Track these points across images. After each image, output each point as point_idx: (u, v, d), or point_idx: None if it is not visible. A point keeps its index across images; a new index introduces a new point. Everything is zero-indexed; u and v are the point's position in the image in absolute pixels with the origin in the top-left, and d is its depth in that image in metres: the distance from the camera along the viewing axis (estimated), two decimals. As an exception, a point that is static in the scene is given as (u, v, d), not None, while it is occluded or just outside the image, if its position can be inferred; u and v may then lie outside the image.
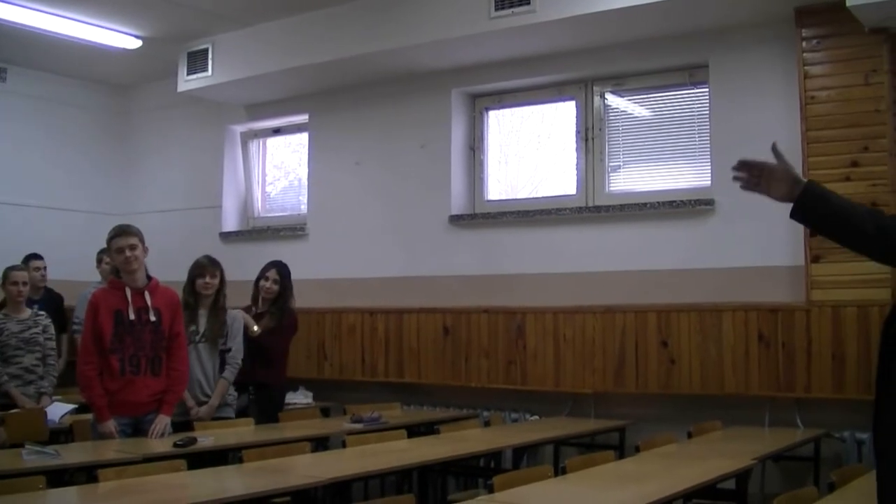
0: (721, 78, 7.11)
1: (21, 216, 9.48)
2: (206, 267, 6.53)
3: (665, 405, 7.12)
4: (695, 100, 7.42)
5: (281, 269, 7.35)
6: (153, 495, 4.04)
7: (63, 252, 9.23)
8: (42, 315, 7.11)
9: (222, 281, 6.59)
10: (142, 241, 5.69)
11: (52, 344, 7.09)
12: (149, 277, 5.80)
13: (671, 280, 7.16)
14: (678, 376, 6.98)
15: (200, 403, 6.37)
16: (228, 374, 6.51)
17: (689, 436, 6.16)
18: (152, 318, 5.66)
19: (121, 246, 5.65)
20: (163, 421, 5.63)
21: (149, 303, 5.67)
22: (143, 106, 10.54)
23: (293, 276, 7.48)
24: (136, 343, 5.62)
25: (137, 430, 5.64)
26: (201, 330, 6.47)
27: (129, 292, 5.66)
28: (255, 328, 6.95)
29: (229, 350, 6.54)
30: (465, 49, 7.71)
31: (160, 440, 5.47)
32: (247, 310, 7.18)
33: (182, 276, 6.64)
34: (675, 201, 7.23)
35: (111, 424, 5.54)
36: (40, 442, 5.16)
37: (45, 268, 8.55)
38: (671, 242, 7.23)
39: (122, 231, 5.68)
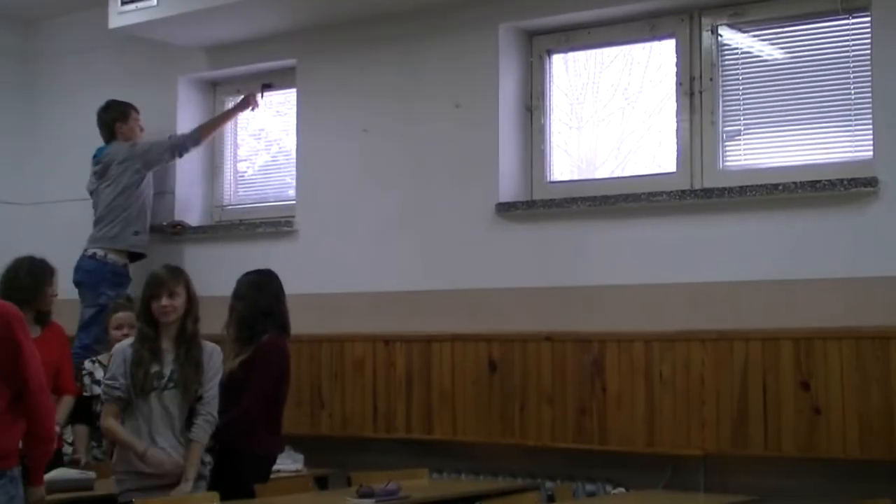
0: (889, 4, 7.04)
1: None
2: (164, 282, 6.50)
3: (807, 474, 7.07)
4: (850, 36, 7.37)
5: (241, 280, 7.43)
6: None
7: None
8: None
9: (191, 299, 6.59)
10: None
11: None
12: None
13: (815, 294, 7.09)
14: (826, 433, 6.91)
15: (166, 476, 6.40)
16: (200, 434, 6.52)
17: (846, 519, 6.13)
18: None
19: None
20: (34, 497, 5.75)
21: None
22: (56, 48, 10.56)
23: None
24: None
25: None
26: (167, 372, 6.47)
27: None
28: None
29: (200, 399, 6.55)
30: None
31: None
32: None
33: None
34: (820, 181, 7.12)
35: None
36: None
37: None
38: (815, 240, 7.16)
39: None
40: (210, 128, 9.58)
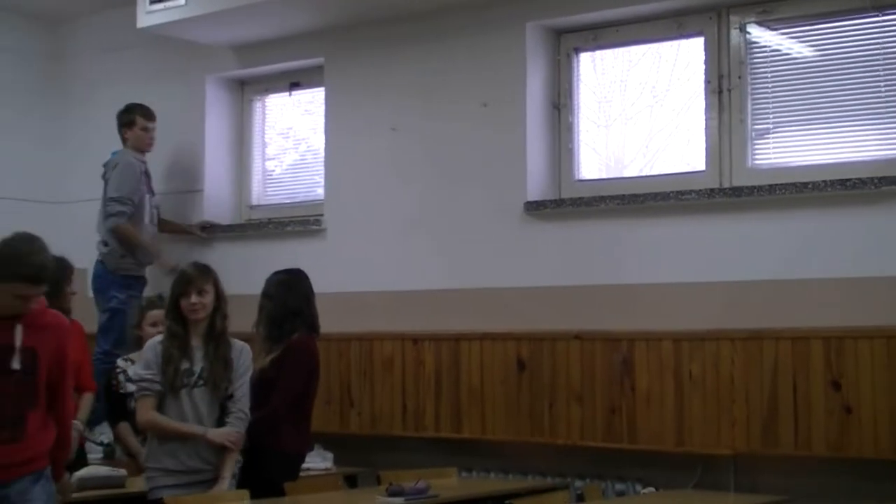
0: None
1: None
2: (193, 280, 6.49)
3: (838, 474, 7.02)
4: (880, 34, 7.33)
5: (270, 279, 7.43)
6: None
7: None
8: None
9: (219, 297, 6.58)
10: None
11: None
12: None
13: (845, 293, 7.06)
14: (857, 433, 6.86)
15: (198, 473, 6.38)
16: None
17: (876, 520, 6.03)
18: (14, 366, 5.45)
19: None
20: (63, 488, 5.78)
21: (17, 342, 5.48)
22: (84, 48, 10.59)
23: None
24: None
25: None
26: (197, 370, 6.46)
27: None
28: None
29: (231, 396, 6.52)
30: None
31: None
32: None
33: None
34: (850, 180, 7.08)
35: None
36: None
37: None
38: (845, 239, 7.13)
39: None
40: (128, 236, 9.06)
